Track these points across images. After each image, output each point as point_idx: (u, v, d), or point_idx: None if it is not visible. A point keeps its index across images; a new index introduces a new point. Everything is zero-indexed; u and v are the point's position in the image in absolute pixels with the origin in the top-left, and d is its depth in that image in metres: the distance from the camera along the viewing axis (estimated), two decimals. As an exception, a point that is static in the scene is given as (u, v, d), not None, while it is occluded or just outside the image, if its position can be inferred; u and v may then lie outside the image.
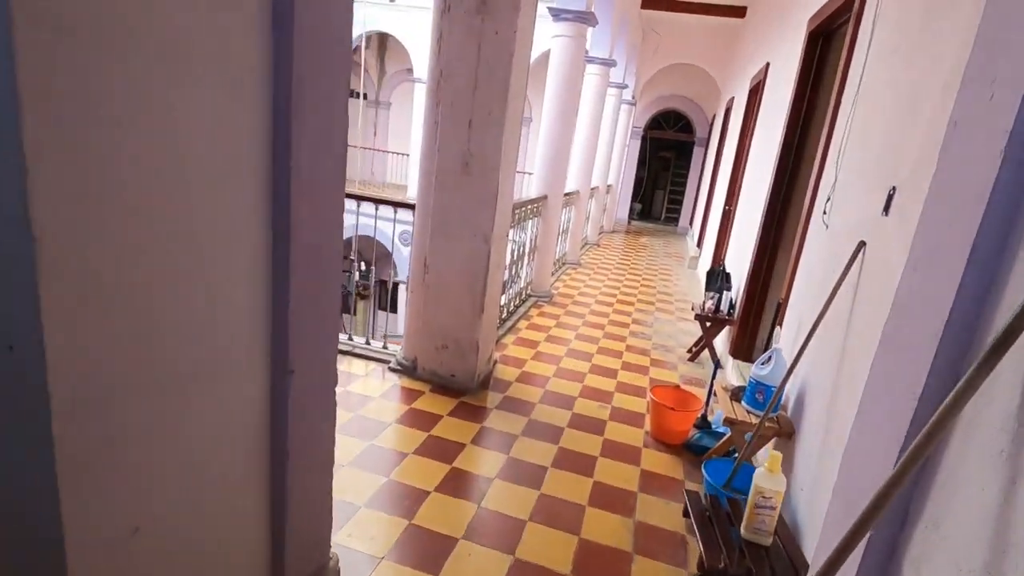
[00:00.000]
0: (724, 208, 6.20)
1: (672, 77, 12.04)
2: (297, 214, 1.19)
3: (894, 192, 1.81)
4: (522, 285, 5.08)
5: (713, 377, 3.14)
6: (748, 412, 2.46)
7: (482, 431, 2.79)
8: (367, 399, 2.95)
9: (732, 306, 4.19)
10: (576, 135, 6.34)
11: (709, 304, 4.20)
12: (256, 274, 1.19)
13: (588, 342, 4.39)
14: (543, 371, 3.67)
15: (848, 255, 2.04)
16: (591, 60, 6.63)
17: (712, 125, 11.88)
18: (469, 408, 3.01)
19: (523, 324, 4.60)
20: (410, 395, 3.09)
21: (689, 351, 4.46)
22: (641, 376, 3.83)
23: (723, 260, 5.41)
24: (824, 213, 2.48)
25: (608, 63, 6.79)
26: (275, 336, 1.26)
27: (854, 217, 2.15)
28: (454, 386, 3.21)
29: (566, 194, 6.09)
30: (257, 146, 1.12)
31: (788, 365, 2.27)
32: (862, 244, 1.98)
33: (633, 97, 10.79)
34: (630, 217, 14.17)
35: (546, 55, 5.47)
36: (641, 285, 6.82)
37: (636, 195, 14.49)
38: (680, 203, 14.18)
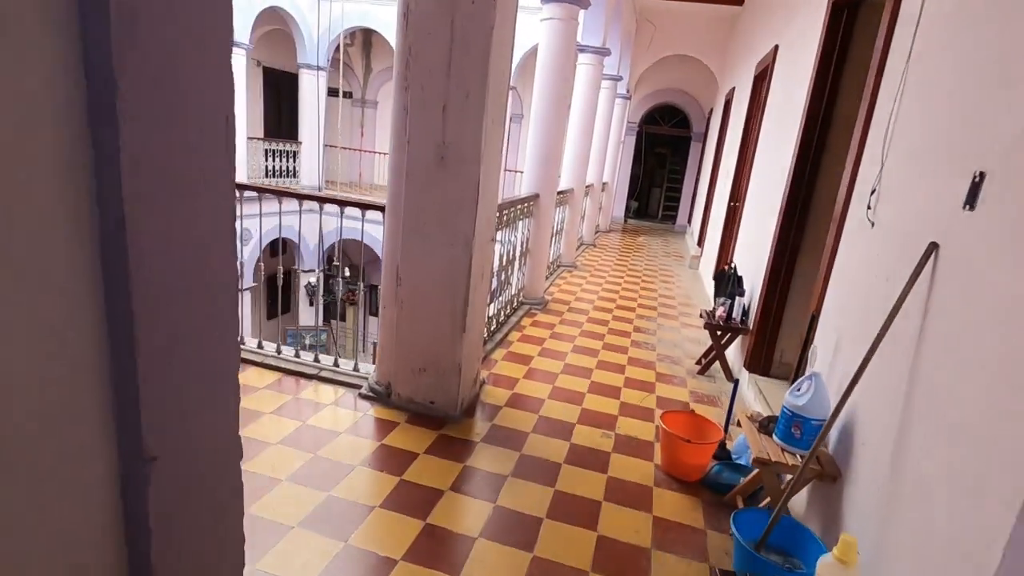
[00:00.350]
0: (729, 205, 5.79)
1: (667, 70, 11.65)
2: (137, 225, 0.77)
3: (981, 179, 1.40)
4: (513, 292, 4.66)
5: (732, 399, 2.73)
6: (782, 449, 2.04)
7: (465, 473, 2.36)
8: (330, 435, 2.52)
9: (746, 313, 3.78)
10: (569, 129, 5.92)
11: (720, 311, 3.79)
12: (81, 320, 0.76)
13: (587, 355, 3.97)
14: (537, 392, 3.25)
15: (911, 260, 1.62)
16: (583, 49, 6.22)
17: (710, 119, 11.49)
18: (450, 442, 2.59)
19: (515, 336, 4.17)
20: (382, 427, 2.66)
21: (698, 362, 4.04)
22: (647, 394, 3.41)
23: (731, 261, 5.00)
24: (868, 208, 2.06)
25: (602, 52, 6.37)
26: (120, 407, 0.83)
27: (916, 212, 1.73)
28: (434, 415, 2.78)
29: (559, 192, 5.67)
30: (60, 114, 0.70)
31: (838, 395, 1.85)
32: (933, 246, 1.57)
33: (628, 91, 10.39)
34: (626, 215, 13.77)
35: (536, 50, 5.08)
36: (641, 288, 6.40)
37: (632, 193, 14.08)
38: (677, 200, 13.79)
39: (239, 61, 9.74)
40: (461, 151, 2.50)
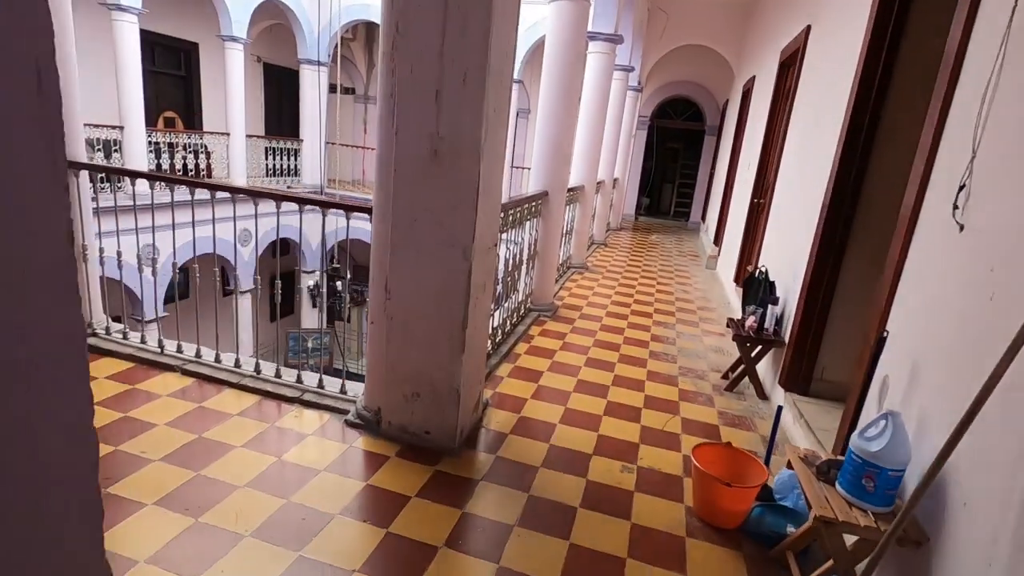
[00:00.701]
0: (752, 202, 5.39)
1: (680, 61, 11.20)
2: None
3: None
4: (520, 298, 4.29)
5: (774, 431, 2.35)
6: (849, 504, 1.67)
7: (464, 522, 2.00)
8: (308, 475, 2.17)
9: (779, 323, 3.39)
10: (579, 122, 5.53)
11: (751, 321, 3.41)
12: None
13: (602, 369, 3.60)
14: (547, 415, 2.89)
15: (1035, 277, 1.24)
16: (594, 36, 5.82)
17: (725, 112, 11.04)
18: (448, 481, 2.23)
19: (522, 348, 3.81)
20: (370, 463, 2.31)
21: (724, 376, 3.66)
22: (670, 416, 3.03)
23: (757, 263, 4.61)
24: (955, 208, 1.68)
25: (614, 39, 5.98)
26: None
27: (1037, 214, 1.35)
28: (429, 447, 2.43)
29: (570, 190, 5.30)
30: None
31: (923, 437, 1.48)
32: (1073, 260, 1.18)
33: (639, 83, 9.96)
34: (637, 212, 13.36)
35: (543, 43, 4.70)
36: (657, 291, 6.01)
37: (643, 189, 13.66)
38: (690, 196, 13.34)
39: (237, 56, 9.44)
40: (458, 144, 2.14)
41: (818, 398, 3.03)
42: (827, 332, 3.01)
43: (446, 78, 2.07)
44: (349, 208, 2.54)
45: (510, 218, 3.55)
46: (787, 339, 3.23)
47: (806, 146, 3.69)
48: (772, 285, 3.53)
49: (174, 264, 2.89)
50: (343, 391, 2.75)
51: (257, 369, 2.86)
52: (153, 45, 10.02)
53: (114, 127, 7.83)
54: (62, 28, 2.74)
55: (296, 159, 11.60)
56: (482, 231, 2.30)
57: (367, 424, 2.53)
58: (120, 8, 7.40)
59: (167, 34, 10.16)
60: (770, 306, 3.38)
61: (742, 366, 3.50)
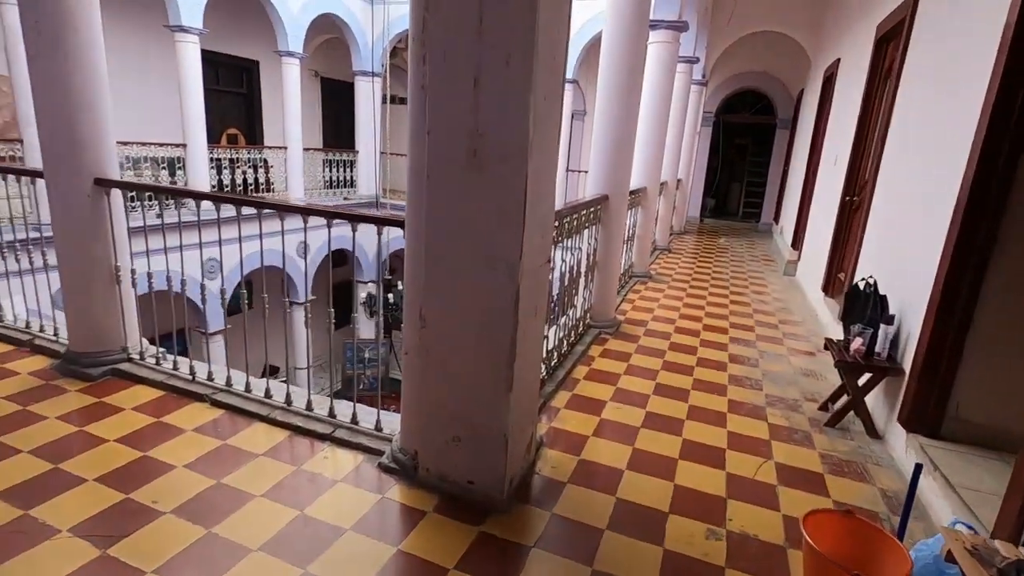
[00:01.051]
0: (844, 200, 4.72)
1: (748, 50, 10.43)
2: None
3: None
4: (579, 314, 3.88)
5: (912, 492, 1.83)
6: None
7: (511, 608, 1.62)
8: (332, 535, 1.86)
9: (894, 346, 2.81)
10: (640, 118, 5.06)
11: (857, 343, 2.84)
12: None
13: (674, 398, 3.13)
14: (612, 457, 2.46)
15: None
16: (656, 24, 5.33)
17: (800, 102, 10.16)
18: (494, 548, 1.86)
19: (581, 372, 3.39)
20: (404, 520, 1.98)
21: (823, 407, 3.10)
22: (762, 460, 2.53)
23: (852, 270, 3.98)
24: None
25: (678, 27, 5.46)
26: None
27: None
28: (473, 499, 2.06)
29: (631, 192, 4.83)
30: None
31: None
32: None
33: (704, 75, 9.31)
34: (702, 214, 12.57)
35: (599, 39, 4.27)
36: (731, 301, 5.42)
37: (708, 189, 12.86)
38: (761, 196, 12.41)
39: (293, 71, 9.56)
40: (500, 142, 1.77)
41: (954, 442, 2.44)
42: (965, 357, 2.41)
43: (486, 61, 1.71)
44: (381, 221, 2.22)
45: (566, 226, 3.15)
46: (907, 366, 2.65)
47: (923, 131, 3.07)
48: (883, 300, 2.94)
49: (199, 285, 2.68)
50: (379, 427, 2.44)
51: (288, 400, 2.60)
52: (217, 65, 10.36)
53: (178, 145, 8.05)
54: (92, 44, 2.59)
55: (352, 170, 11.67)
56: (531, 246, 1.92)
57: (403, 469, 2.20)
58: (183, 29, 7.60)
59: (229, 53, 10.48)
60: (882, 326, 2.80)
61: (845, 396, 2.93)
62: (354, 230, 2.32)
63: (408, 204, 2.02)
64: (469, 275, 1.91)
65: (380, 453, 2.31)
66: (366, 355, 11.40)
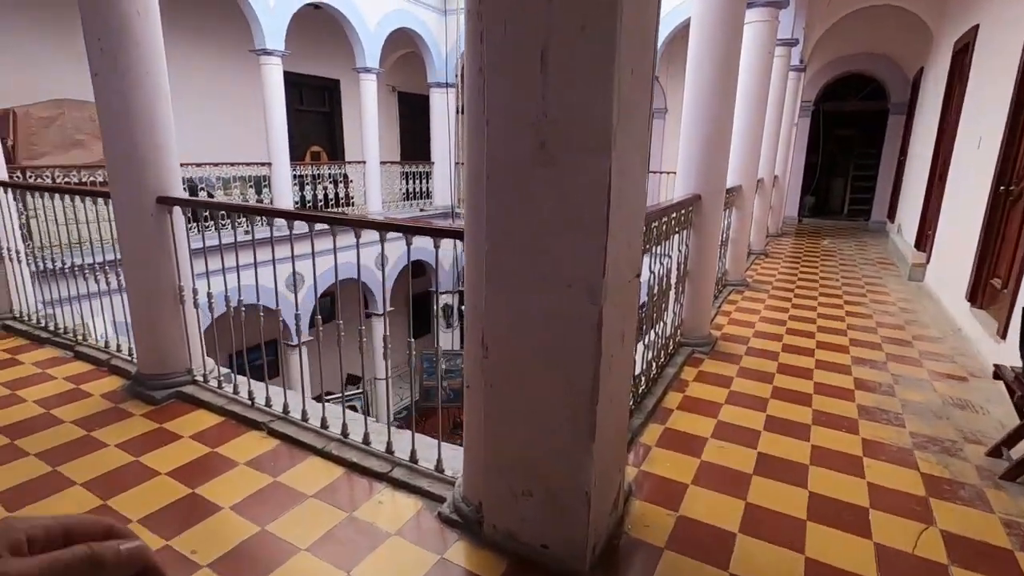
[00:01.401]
0: (997, 190, 3.90)
1: (853, 29, 9.34)
2: None
3: None
4: (669, 331, 3.40)
5: None
6: None
7: None
8: (378, 609, 1.56)
9: (1105, 378, 2.12)
10: (736, 107, 4.49)
11: (1048, 374, 2.18)
12: None
13: (791, 435, 2.59)
14: (719, 515, 2.00)
15: None
16: (752, 2, 4.74)
17: (918, 82, 8.94)
18: (573, 639, 1.48)
19: (673, 400, 2.93)
20: (464, 589, 1.65)
21: (994, 452, 2.43)
22: (921, 525, 1.96)
23: (1018, 277, 3.21)
24: None
25: (777, 3, 4.84)
26: None
27: None
28: (548, 567, 1.69)
29: (727, 190, 4.27)
30: None
31: None
32: None
33: (802, 60, 8.41)
34: (801, 213, 11.45)
35: (684, 28, 3.79)
36: (848, 313, 4.68)
37: (808, 186, 11.71)
38: (870, 191, 11.10)
39: (371, 86, 9.72)
40: (575, 130, 1.41)
41: None
42: None
43: (556, 27, 1.36)
44: (437, 233, 1.92)
45: (653, 231, 2.72)
46: None
47: None
48: (1082, 316, 2.26)
49: (278, 299, 2.52)
50: (440, 467, 2.13)
51: (344, 432, 2.37)
52: (301, 86, 10.78)
53: (263, 164, 8.36)
54: (152, 60, 2.52)
55: (428, 182, 11.73)
56: (617, 257, 1.53)
57: (466, 522, 1.88)
58: (266, 52, 7.89)
59: (312, 74, 10.87)
60: (1085, 351, 2.13)
61: (1029, 441, 2.27)
62: (408, 244, 2.04)
63: (466, 212, 1.71)
64: (539, 296, 1.55)
65: (441, 500, 2.01)
66: (443, 366, 11.39)
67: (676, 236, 3.23)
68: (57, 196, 3.36)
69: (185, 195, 3.00)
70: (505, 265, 1.59)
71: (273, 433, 2.47)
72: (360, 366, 2.36)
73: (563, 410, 1.60)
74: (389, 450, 2.24)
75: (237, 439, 2.45)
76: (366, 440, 2.32)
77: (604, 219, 1.43)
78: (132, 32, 2.44)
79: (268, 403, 2.62)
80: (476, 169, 1.60)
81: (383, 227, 2.05)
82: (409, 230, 1.99)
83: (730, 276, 5.43)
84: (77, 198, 3.20)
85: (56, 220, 3.47)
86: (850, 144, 12.15)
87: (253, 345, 2.86)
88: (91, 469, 2.20)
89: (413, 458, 2.19)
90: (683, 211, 3.30)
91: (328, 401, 2.66)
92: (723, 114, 3.49)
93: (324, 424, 2.43)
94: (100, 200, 3.42)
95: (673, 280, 3.32)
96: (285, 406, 2.57)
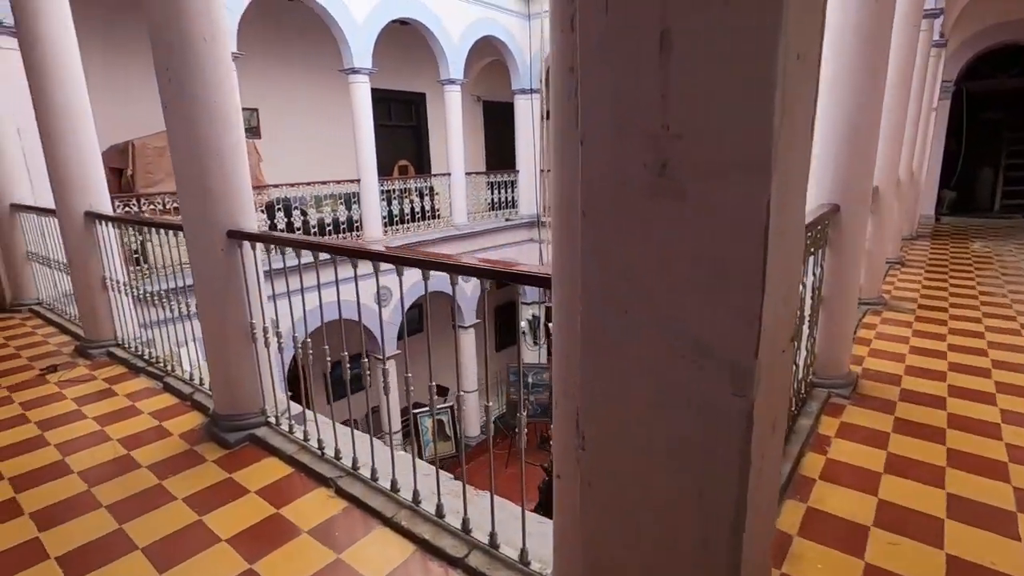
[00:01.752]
0: None
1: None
2: None
3: None
4: (801, 373, 2.80)
5: None
6: None
7: None
8: None
9: None
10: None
11: None
12: None
13: (987, 528, 1.94)
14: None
15: None
16: (892, -33, 3.96)
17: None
18: None
19: (814, 466, 2.34)
20: None
21: None
22: None
23: None
24: None
25: (925, -34, 4.02)
26: None
27: None
28: None
29: (866, 196, 3.55)
30: None
31: None
32: None
33: (942, 35, 7.21)
34: (938, 211, 9.93)
35: None
36: (1030, 341, 3.75)
37: (946, 180, 10.14)
38: (1030, 182, 9.40)
39: (455, 97, 9.64)
40: (712, 146, 0.97)
41: None
42: None
43: (672, 5, 0.93)
44: (517, 277, 1.54)
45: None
46: None
47: None
48: None
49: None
50: (524, 559, 1.75)
51: (416, 499, 2.06)
52: (389, 102, 10.96)
53: (353, 180, 8.50)
54: (218, 88, 2.38)
55: (513, 190, 11.50)
56: (772, 319, 1.06)
57: (557, 644, 1.48)
58: (354, 71, 8.01)
59: (398, 89, 11.03)
60: None
61: None
62: (454, 283, 1.68)
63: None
64: (657, 373, 1.12)
65: (526, 602, 1.62)
66: (530, 380, 11.07)
67: (811, 258, 2.64)
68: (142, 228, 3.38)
69: (264, 224, 2.87)
70: (609, 327, 1.18)
71: (341, 492, 2.21)
72: (448, 377, 2.05)
73: (690, 531, 1.16)
74: (465, 529, 1.89)
75: (304, 497, 2.22)
76: (439, 512, 1.98)
77: (759, 272, 0.97)
78: (198, 58, 2.31)
79: (337, 456, 2.37)
80: (565, 200, 1.20)
81: (459, 270, 1.71)
82: (487, 274, 1.64)
83: (864, 293, 4.60)
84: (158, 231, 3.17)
85: (167, 244, 3.43)
86: (998, 129, 10.39)
87: (336, 361, 2.65)
88: (155, 530, 2.05)
89: (493, 543, 1.82)
90: (818, 227, 2.69)
91: (417, 413, 2.37)
92: (871, 100, 2.84)
93: (395, 487, 2.14)
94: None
95: (807, 312, 2.72)
96: (354, 461, 2.31)
